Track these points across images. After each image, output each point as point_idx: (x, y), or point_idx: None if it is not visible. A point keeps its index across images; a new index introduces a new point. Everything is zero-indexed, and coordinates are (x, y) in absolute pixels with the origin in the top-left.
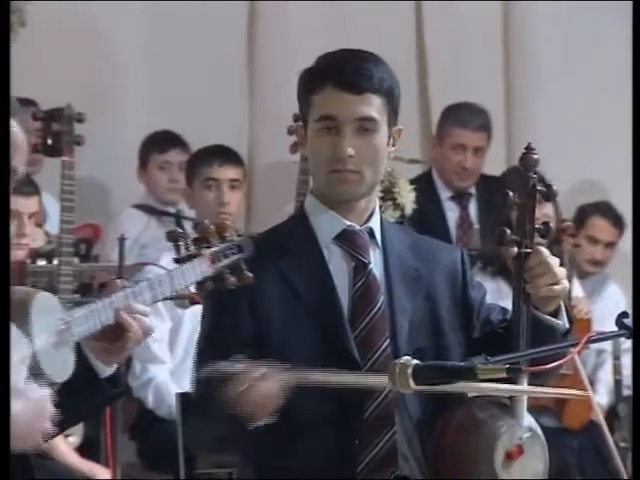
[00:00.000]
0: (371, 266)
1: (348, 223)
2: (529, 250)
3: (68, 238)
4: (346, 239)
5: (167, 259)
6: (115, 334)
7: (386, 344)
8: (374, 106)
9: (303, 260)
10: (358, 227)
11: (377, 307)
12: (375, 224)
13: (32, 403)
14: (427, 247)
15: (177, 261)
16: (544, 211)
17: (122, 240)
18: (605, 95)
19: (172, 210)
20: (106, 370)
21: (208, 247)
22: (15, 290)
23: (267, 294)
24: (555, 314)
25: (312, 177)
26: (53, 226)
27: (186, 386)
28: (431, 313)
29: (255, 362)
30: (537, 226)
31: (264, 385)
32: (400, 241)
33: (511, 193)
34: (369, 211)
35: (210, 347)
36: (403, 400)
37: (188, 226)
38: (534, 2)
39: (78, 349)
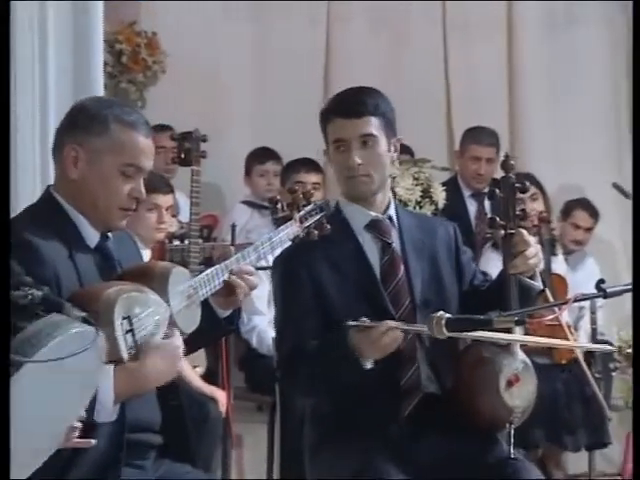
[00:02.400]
0: (393, 245)
1: (373, 214)
2: (513, 231)
3: (195, 225)
4: (374, 227)
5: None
6: (229, 290)
7: (408, 300)
8: (372, 125)
9: (344, 245)
10: (381, 216)
11: (400, 274)
12: (392, 212)
13: (169, 353)
14: (428, 223)
15: (275, 220)
16: (535, 205)
17: (233, 227)
18: (586, 118)
19: (267, 204)
20: (224, 313)
21: (298, 210)
22: (158, 264)
23: (321, 272)
24: (532, 278)
25: (338, 183)
26: (184, 216)
27: None
28: (435, 273)
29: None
30: (517, 213)
31: (390, 335)
32: (409, 221)
33: (497, 190)
34: (386, 202)
35: (289, 313)
36: (423, 343)
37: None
38: (534, 48)
39: (205, 300)
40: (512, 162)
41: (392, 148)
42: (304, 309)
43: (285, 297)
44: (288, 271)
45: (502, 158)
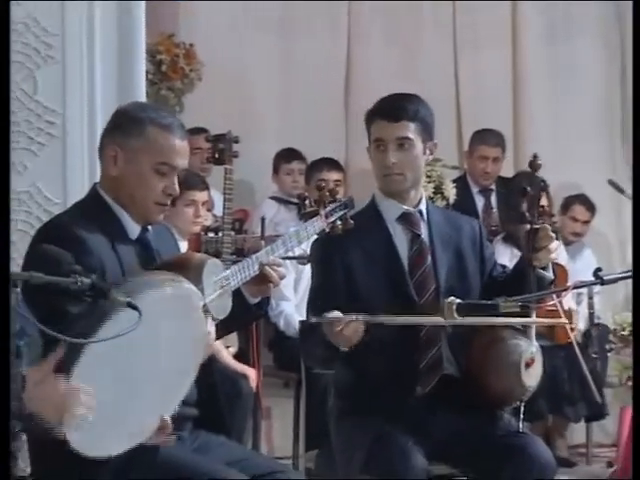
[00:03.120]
0: (422, 236)
1: (405, 207)
2: (537, 226)
3: (228, 219)
4: (405, 219)
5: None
6: (259, 279)
7: (433, 287)
8: (409, 129)
9: (376, 234)
10: (412, 210)
11: (427, 264)
12: (423, 207)
13: None
14: (455, 219)
15: (302, 215)
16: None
17: (263, 220)
18: (583, 120)
19: (295, 200)
20: (254, 300)
21: (324, 206)
22: (194, 256)
23: (353, 259)
24: (544, 269)
25: (375, 178)
26: (218, 211)
27: (305, 315)
28: (459, 264)
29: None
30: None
31: (350, 327)
32: (438, 216)
33: (528, 188)
34: (417, 198)
35: (319, 296)
36: (445, 328)
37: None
38: (536, 58)
39: (237, 288)
40: (539, 162)
41: (427, 151)
42: (334, 291)
43: (318, 278)
44: (323, 255)
45: (530, 158)
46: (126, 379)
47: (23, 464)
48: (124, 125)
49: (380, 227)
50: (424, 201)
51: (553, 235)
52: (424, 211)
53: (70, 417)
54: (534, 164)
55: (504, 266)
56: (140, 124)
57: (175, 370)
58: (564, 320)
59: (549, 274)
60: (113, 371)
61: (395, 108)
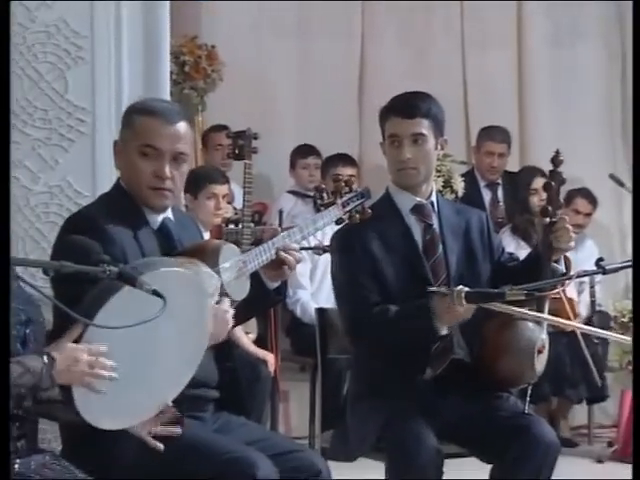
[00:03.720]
0: (434, 226)
1: (418, 199)
2: (555, 219)
3: (248, 211)
4: (418, 210)
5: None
6: (277, 264)
7: (445, 274)
8: (423, 125)
9: (393, 224)
10: (424, 201)
11: (439, 251)
12: (434, 199)
13: (219, 316)
14: (463, 211)
15: (320, 206)
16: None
17: (280, 212)
18: (585, 119)
19: (311, 194)
20: (272, 285)
21: (340, 196)
22: (210, 242)
23: (374, 247)
24: (556, 261)
25: (389, 172)
26: (238, 203)
27: (320, 303)
28: (468, 252)
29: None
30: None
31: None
32: (448, 208)
33: (553, 183)
34: (429, 191)
35: (346, 281)
36: None
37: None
38: (540, 60)
39: (256, 274)
40: (561, 158)
41: (438, 146)
42: (359, 277)
43: (342, 267)
44: (345, 245)
45: (553, 154)
46: (138, 354)
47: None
48: (122, 120)
49: (396, 217)
50: (434, 193)
51: (570, 227)
52: (435, 203)
53: (95, 379)
54: (556, 160)
55: (511, 253)
56: (129, 115)
57: (184, 348)
58: (573, 323)
59: (560, 267)
60: (125, 347)
61: (410, 106)
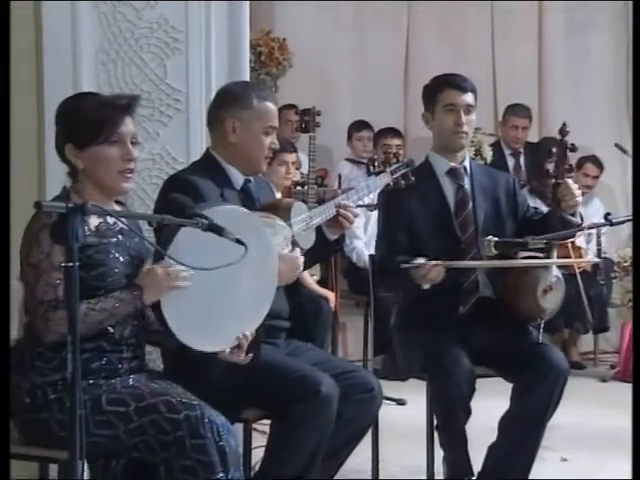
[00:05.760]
0: (465, 187)
1: (452, 164)
2: (560, 181)
3: (312, 175)
4: (452, 173)
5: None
6: (337, 220)
7: (473, 228)
8: (473, 99)
9: (429, 185)
10: (458, 165)
11: (468, 208)
12: (467, 163)
13: (289, 261)
14: (492, 173)
15: (371, 173)
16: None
17: (339, 177)
18: (595, 98)
19: (365, 161)
20: (333, 237)
21: (389, 165)
22: (284, 200)
23: (412, 205)
24: (573, 215)
25: (437, 138)
26: (305, 169)
27: (372, 251)
28: (495, 210)
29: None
30: (566, 167)
31: (434, 271)
32: (479, 171)
33: (554, 149)
34: (463, 157)
35: (385, 233)
36: (483, 258)
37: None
38: (557, 48)
39: (319, 227)
40: (567, 129)
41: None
42: (395, 230)
43: (384, 221)
44: (388, 202)
45: (560, 126)
46: (221, 287)
47: (159, 362)
48: (236, 101)
49: (432, 180)
50: (467, 159)
51: (573, 187)
52: (467, 167)
53: (173, 287)
54: (563, 131)
55: (536, 208)
56: (249, 99)
57: (260, 286)
58: (584, 258)
59: (576, 219)
60: (206, 280)
61: (464, 81)
